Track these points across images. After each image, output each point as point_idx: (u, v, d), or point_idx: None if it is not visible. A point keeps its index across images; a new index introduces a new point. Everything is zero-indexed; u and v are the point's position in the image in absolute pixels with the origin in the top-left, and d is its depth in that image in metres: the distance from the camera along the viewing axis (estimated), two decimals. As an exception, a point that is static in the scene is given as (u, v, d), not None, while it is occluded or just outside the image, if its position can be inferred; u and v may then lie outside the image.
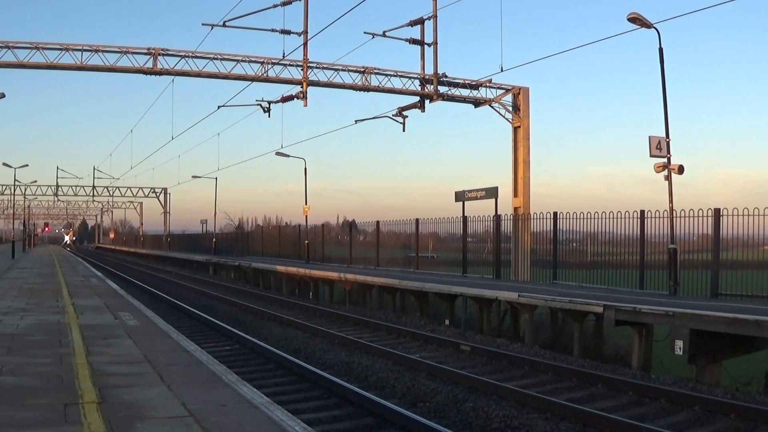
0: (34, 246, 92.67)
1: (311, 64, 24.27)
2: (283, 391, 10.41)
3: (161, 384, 6.94)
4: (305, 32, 23.49)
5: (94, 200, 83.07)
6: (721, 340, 11.95)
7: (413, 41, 24.67)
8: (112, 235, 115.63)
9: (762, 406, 9.49)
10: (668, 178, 16.60)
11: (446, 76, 25.56)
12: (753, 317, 11.30)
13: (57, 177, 70.10)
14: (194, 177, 53.65)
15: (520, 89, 27.17)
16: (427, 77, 25.37)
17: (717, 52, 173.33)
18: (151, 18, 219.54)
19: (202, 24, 23.86)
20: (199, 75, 24.07)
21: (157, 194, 79.45)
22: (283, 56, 23.42)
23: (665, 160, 16.65)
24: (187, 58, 23.69)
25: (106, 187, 74.84)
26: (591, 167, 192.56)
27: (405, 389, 10.63)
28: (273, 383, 11.06)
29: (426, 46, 24.88)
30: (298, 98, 24.05)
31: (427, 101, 25.61)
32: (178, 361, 8.31)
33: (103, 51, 22.99)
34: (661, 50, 16.78)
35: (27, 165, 76.71)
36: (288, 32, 23.48)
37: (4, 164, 53.65)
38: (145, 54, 23.35)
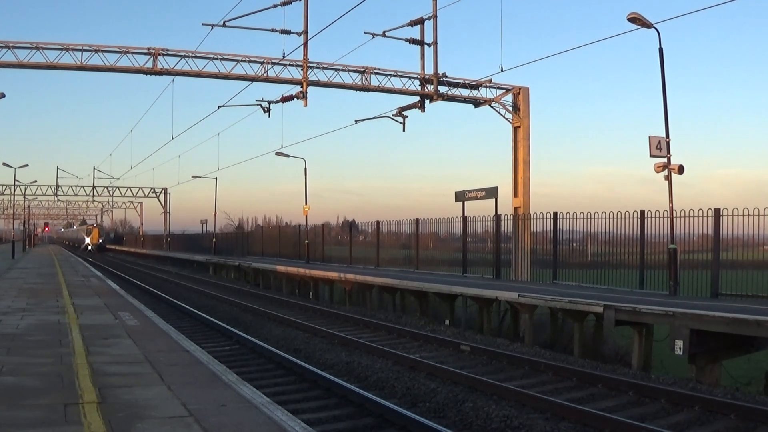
0: (34, 246, 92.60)
1: (311, 64, 24.28)
2: (283, 391, 10.41)
3: (161, 384, 6.94)
4: (305, 32, 23.49)
5: (94, 200, 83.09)
6: (721, 340, 11.96)
7: (413, 41, 24.68)
8: (112, 236, 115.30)
9: (762, 406, 9.49)
10: (668, 178, 16.60)
11: (446, 76, 25.57)
12: (753, 317, 11.30)
13: (57, 177, 70.19)
14: (194, 177, 53.61)
15: (520, 89, 27.17)
16: (427, 77, 25.38)
17: (717, 52, 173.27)
18: (151, 18, 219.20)
19: (202, 24, 23.91)
20: (199, 75, 24.08)
21: (157, 194, 79.50)
22: (283, 56, 23.44)
23: (665, 160, 16.65)
24: (187, 58, 23.70)
25: (106, 187, 74.96)
26: (591, 167, 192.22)
27: (405, 389, 10.63)
28: (273, 383, 11.06)
29: (426, 46, 24.90)
30: (298, 98, 24.06)
31: (427, 101, 25.62)
32: (178, 361, 8.31)
33: (103, 51, 23.01)
34: (661, 50, 16.79)
35: (27, 165, 76.82)
36: (288, 32, 23.49)
37: (4, 164, 53.70)
38: (145, 54, 23.36)
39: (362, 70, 25.26)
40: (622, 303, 13.73)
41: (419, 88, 25.58)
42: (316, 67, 24.59)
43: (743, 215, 15.18)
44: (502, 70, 21.62)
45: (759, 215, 14.93)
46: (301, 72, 24.12)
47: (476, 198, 24.48)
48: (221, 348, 14.52)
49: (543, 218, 21.27)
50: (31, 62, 22.55)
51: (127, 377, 7.25)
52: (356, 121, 28.85)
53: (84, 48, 22.82)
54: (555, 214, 20.43)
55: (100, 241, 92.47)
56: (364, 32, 23.85)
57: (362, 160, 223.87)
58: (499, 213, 23.59)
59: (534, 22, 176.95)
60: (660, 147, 16.58)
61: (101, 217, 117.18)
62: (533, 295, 15.82)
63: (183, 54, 23.67)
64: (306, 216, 36.33)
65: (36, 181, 76.25)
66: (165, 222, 78.85)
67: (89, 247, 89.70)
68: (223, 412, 5.89)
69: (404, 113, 25.78)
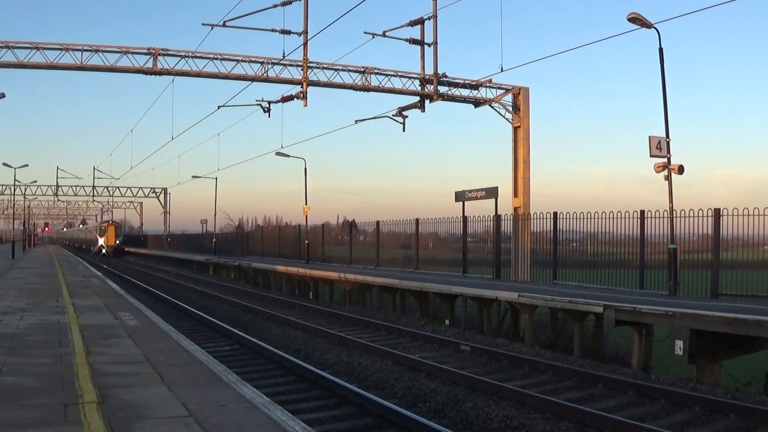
0: (34, 246, 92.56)
1: (311, 64, 24.27)
2: (283, 391, 10.41)
3: (161, 384, 6.94)
4: (305, 32, 23.49)
5: (94, 200, 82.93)
6: (721, 340, 11.96)
7: (413, 41, 24.67)
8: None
9: (762, 406, 9.49)
10: (668, 178, 16.60)
11: (446, 76, 25.57)
12: (753, 317, 11.31)
13: (57, 177, 70.13)
14: (194, 177, 53.62)
15: (520, 89, 27.17)
16: (427, 77, 25.37)
17: (717, 52, 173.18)
18: (151, 18, 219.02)
19: (202, 24, 23.89)
20: (199, 75, 24.07)
21: (157, 194, 79.46)
22: (283, 56, 23.44)
23: (665, 160, 16.66)
24: (187, 58, 23.70)
25: (106, 187, 74.82)
26: (591, 167, 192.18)
27: (405, 389, 10.63)
28: (273, 383, 11.06)
29: (426, 46, 24.90)
30: (298, 98, 24.06)
31: (427, 101, 25.61)
32: (178, 361, 8.31)
33: (103, 51, 23.00)
34: (661, 50, 16.79)
35: (27, 165, 76.64)
36: (288, 32, 23.48)
37: (4, 164, 53.59)
38: (145, 54, 23.36)
39: (362, 70, 25.26)
40: (622, 303, 13.73)
41: (419, 88, 25.57)
42: (316, 67, 24.60)
43: (743, 215, 15.20)
44: (502, 70, 21.65)
45: (759, 215, 14.94)
46: (301, 72, 24.12)
47: (476, 198, 24.48)
48: (221, 348, 14.52)
49: (543, 218, 21.29)
50: (31, 62, 22.55)
51: (127, 377, 7.25)
52: (356, 121, 28.92)
53: (84, 48, 22.82)
54: (555, 214, 20.45)
55: (117, 242, 75.87)
56: (364, 32, 23.88)
57: (362, 160, 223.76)
58: (499, 213, 23.62)
59: (534, 22, 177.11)
60: (660, 147, 16.58)
61: (101, 216, 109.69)
62: (533, 295, 15.82)
63: (183, 54, 23.67)
64: (306, 216, 36.37)
65: (36, 181, 76.08)
66: (165, 222, 78.88)
67: (103, 251, 72.62)
68: (223, 412, 5.89)
69: (404, 113, 25.78)
